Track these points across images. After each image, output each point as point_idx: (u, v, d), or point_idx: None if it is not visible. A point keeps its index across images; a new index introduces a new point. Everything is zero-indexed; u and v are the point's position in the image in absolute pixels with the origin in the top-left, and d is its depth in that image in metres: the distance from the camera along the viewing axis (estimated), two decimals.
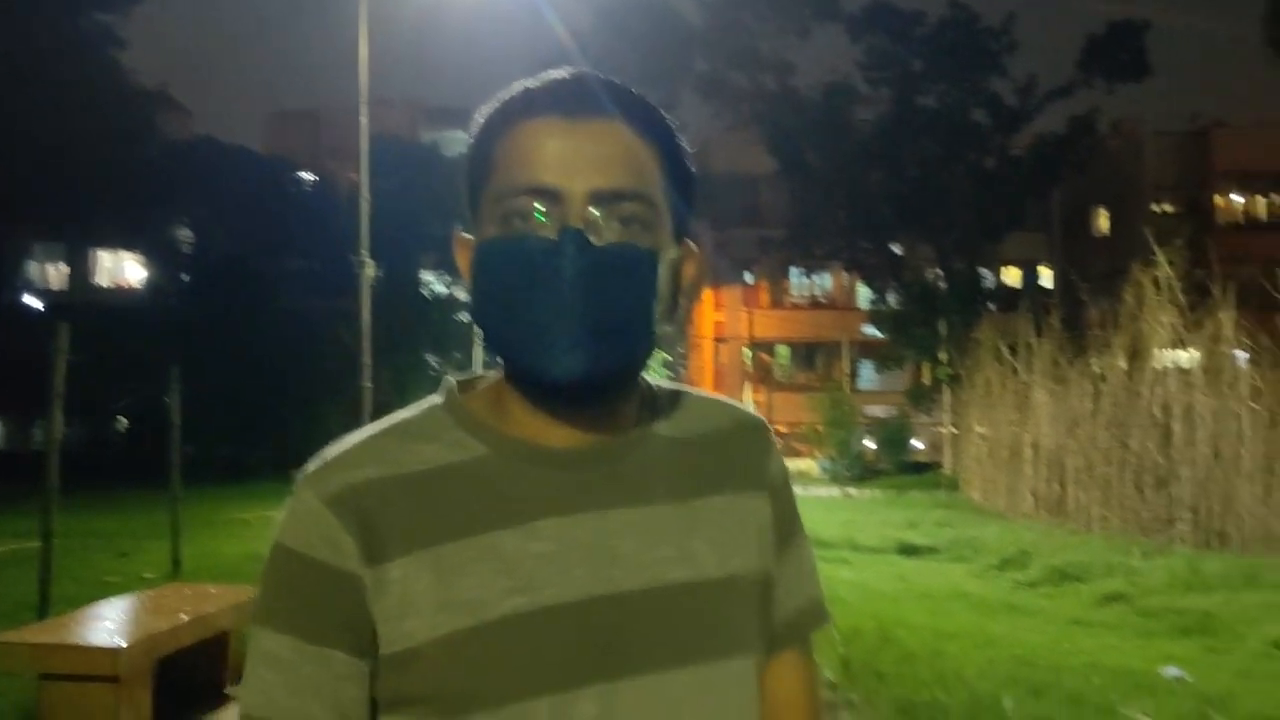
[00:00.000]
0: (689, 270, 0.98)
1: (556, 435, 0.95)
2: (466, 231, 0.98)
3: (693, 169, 0.99)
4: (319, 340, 28.19)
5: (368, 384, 12.60)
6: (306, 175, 35.35)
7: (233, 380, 26.88)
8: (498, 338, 0.92)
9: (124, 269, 38.44)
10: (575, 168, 0.89)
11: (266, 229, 30.30)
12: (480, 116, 0.96)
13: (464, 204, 0.97)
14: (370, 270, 13.56)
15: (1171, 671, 6.54)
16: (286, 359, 28.46)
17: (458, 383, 1.01)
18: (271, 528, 0.98)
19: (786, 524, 1.06)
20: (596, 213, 0.89)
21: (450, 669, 0.88)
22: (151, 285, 34.44)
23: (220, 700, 5.91)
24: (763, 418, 1.09)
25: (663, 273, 0.93)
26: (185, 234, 33.16)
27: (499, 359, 0.94)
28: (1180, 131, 43.13)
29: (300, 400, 28.68)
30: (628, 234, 0.90)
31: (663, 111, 0.97)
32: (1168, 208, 41.45)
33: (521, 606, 0.89)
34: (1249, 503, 12.96)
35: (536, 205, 0.90)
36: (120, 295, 35.55)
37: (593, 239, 0.88)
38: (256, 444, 27.97)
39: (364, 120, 13.82)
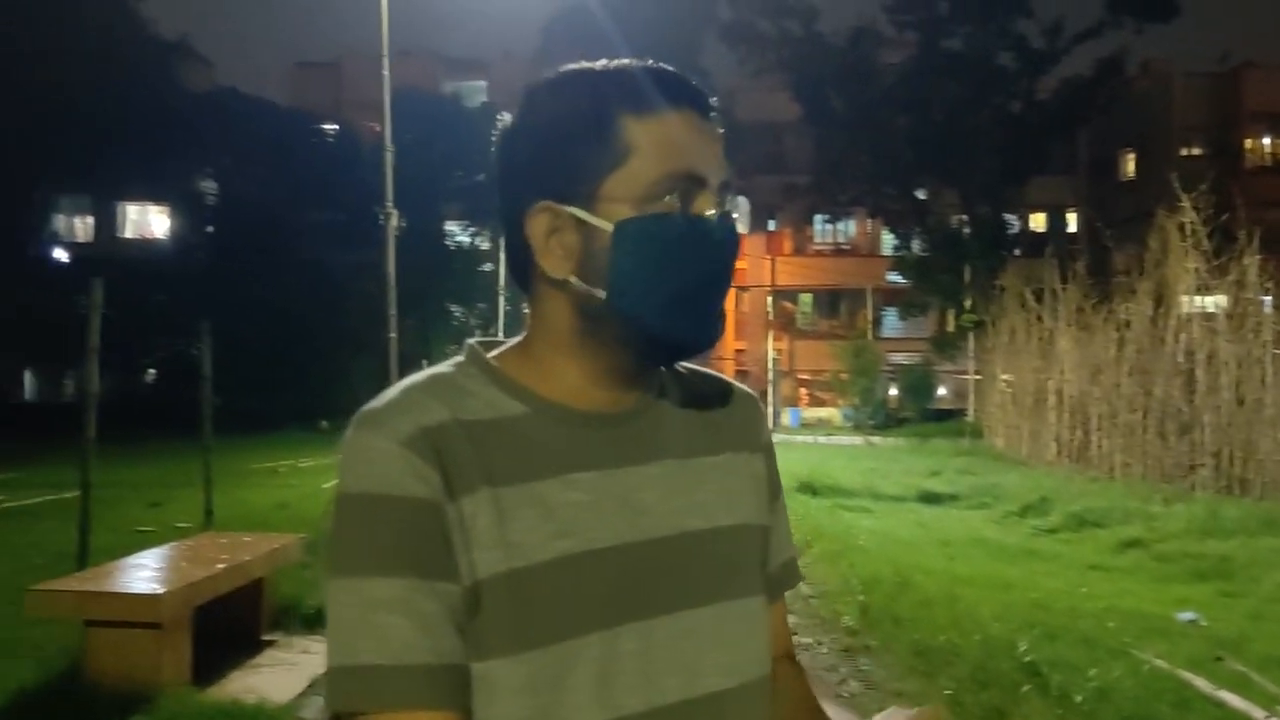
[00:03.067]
0: None
1: (590, 398, 1.03)
2: (560, 203, 0.99)
3: None
4: (343, 292, 28.29)
5: (393, 335, 12.64)
6: (329, 127, 35.31)
7: (257, 332, 27.07)
8: (646, 307, 0.98)
9: (149, 221, 38.65)
10: (714, 160, 1.00)
11: (290, 181, 30.34)
12: (590, 88, 0.99)
13: (560, 174, 0.99)
14: (395, 221, 13.55)
15: (1186, 615, 6.62)
16: (311, 311, 28.64)
17: (479, 344, 1.08)
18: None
19: (775, 484, 1.18)
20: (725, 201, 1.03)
21: (508, 606, 0.93)
22: (176, 237, 34.63)
23: (256, 647, 6.08)
24: (752, 390, 1.23)
25: None
26: (209, 186, 33.24)
27: (630, 325, 0.99)
28: (1209, 73, 42.31)
29: (324, 352, 28.89)
30: None
31: None
32: (1196, 150, 40.78)
33: (567, 550, 0.95)
34: (1270, 449, 12.93)
35: (688, 191, 0.99)
36: (145, 247, 35.75)
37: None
38: (281, 396, 28.20)
39: (386, 72, 13.75)
